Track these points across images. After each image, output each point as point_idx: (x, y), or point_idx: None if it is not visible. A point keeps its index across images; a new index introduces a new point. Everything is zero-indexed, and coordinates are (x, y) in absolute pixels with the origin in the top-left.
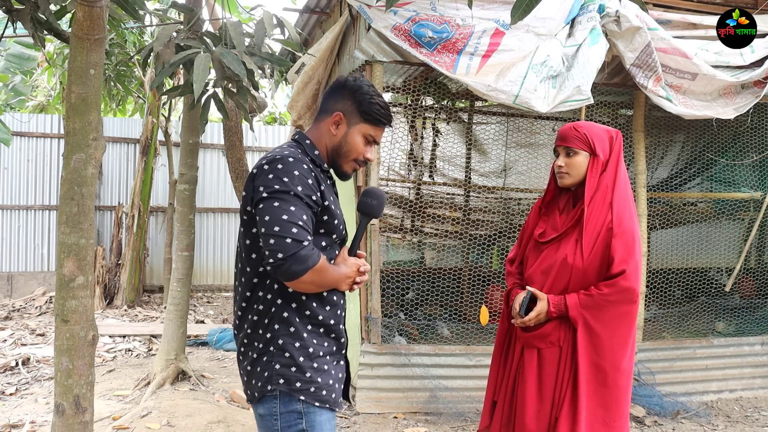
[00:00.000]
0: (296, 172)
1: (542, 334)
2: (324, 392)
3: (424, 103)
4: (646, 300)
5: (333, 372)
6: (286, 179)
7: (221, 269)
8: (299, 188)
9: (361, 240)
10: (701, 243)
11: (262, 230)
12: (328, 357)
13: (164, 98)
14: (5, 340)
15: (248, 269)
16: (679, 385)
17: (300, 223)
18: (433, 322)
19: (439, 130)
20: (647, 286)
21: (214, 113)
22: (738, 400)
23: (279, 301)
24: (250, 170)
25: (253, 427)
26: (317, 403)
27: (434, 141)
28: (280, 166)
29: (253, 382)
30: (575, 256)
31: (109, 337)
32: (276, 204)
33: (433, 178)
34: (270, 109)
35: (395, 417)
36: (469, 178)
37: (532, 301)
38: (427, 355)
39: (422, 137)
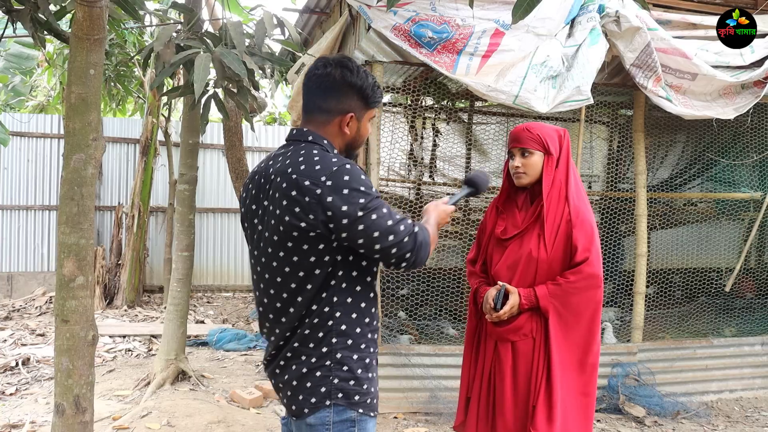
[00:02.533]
0: (362, 176)
1: (515, 327)
2: (375, 401)
3: (424, 103)
4: (647, 299)
5: (376, 375)
6: (362, 188)
7: (221, 269)
8: (372, 189)
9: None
10: (701, 243)
11: (377, 246)
12: (374, 360)
13: (164, 98)
14: (5, 340)
15: (309, 286)
16: (679, 385)
17: (398, 217)
18: (434, 323)
19: (439, 130)
20: (648, 286)
21: (214, 113)
22: (738, 400)
23: (338, 314)
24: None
25: (253, 427)
26: (371, 413)
27: (434, 141)
28: (347, 178)
29: (301, 397)
30: (539, 249)
31: (109, 337)
32: (374, 216)
33: (433, 178)
34: (270, 109)
35: (395, 417)
36: None
37: (505, 296)
38: (427, 355)
39: (422, 137)
